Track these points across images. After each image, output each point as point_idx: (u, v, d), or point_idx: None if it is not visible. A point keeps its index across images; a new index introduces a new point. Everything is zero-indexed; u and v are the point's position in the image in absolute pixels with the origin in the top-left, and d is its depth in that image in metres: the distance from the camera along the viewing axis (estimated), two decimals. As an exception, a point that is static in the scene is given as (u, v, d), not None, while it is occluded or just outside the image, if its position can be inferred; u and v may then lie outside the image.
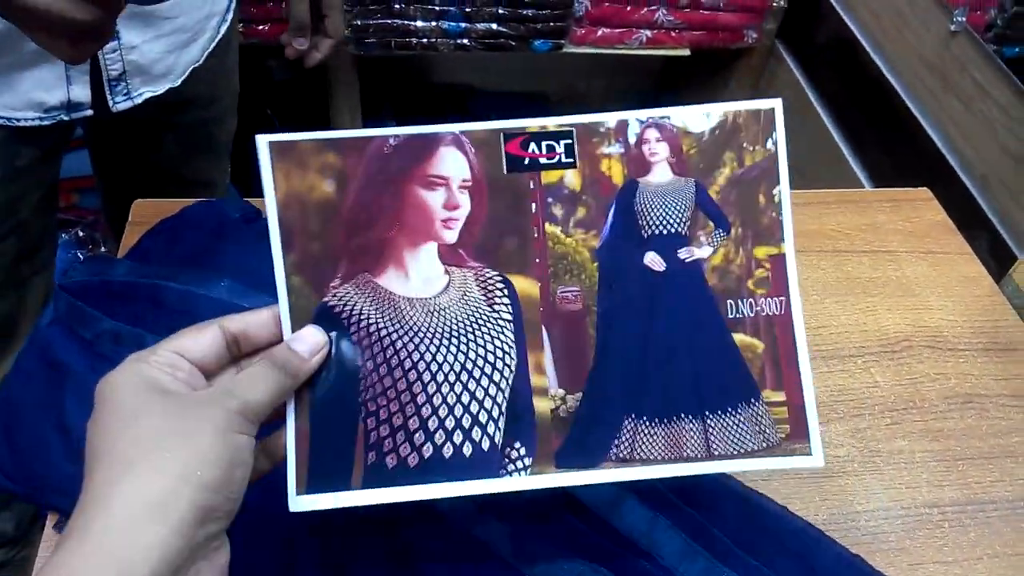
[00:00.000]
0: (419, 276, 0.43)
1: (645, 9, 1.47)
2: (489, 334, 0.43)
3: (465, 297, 0.43)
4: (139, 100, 0.75)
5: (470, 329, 0.43)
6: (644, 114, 0.44)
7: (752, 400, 0.44)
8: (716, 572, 0.50)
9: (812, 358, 0.69)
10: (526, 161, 0.43)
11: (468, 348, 0.42)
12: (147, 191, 0.76)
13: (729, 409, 0.44)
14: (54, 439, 0.51)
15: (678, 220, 0.44)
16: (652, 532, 0.52)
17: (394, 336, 0.42)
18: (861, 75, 1.34)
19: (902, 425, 0.66)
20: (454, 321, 0.42)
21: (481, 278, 0.43)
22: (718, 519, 0.54)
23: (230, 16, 0.85)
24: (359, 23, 1.37)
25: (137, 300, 0.58)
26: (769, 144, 0.44)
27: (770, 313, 0.44)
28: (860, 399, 0.67)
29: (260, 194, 0.43)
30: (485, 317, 0.43)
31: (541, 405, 0.43)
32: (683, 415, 0.44)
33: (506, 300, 0.43)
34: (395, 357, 0.42)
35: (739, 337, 0.44)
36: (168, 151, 0.91)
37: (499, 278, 0.43)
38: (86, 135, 0.93)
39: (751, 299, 0.44)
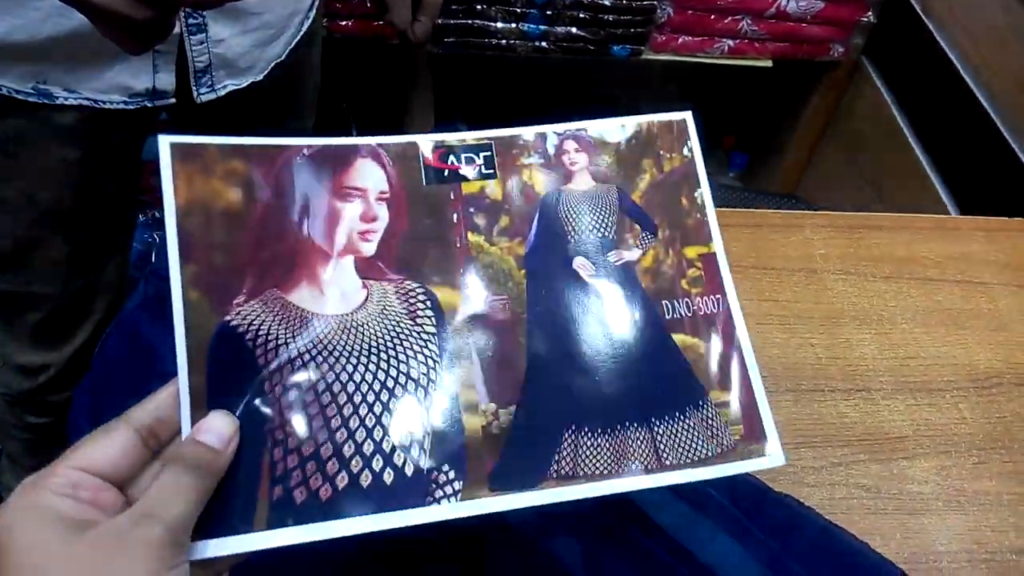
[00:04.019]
0: (335, 291, 0.40)
1: (729, 18, 1.44)
2: (412, 349, 0.40)
3: (385, 311, 0.40)
4: (222, 92, 0.77)
5: (391, 345, 0.40)
6: (561, 127, 0.45)
7: (700, 403, 0.42)
8: (791, 606, 0.49)
9: (898, 389, 0.67)
10: (445, 173, 0.43)
11: (389, 365, 0.40)
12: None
13: (677, 414, 0.42)
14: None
15: (604, 225, 0.44)
16: (728, 559, 0.50)
17: (306, 357, 0.39)
18: (953, 97, 1.30)
19: (989, 465, 0.63)
20: (373, 337, 0.40)
21: (402, 291, 0.41)
22: (795, 550, 0.53)
23: (313, 13, 0.86)
24: (440, 22, 1.38)
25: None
26: (685, 151, 0.46)
27: (708, 311, 0.44)
28: (946, 435, 0.65)
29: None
30: (407, 331, 0.40)
31: (471, 422, 0.40)
32: (628, 423, 0.41)
33: (429, 312, 0.41)
34: (307, 378, 0.38)
35: (679, 338, 0.43)
36: (249, 142, 0.92)
37: (421, 290, 0.41)
38: (171, 121, 0.95)
39: (687, 298, 0.44)
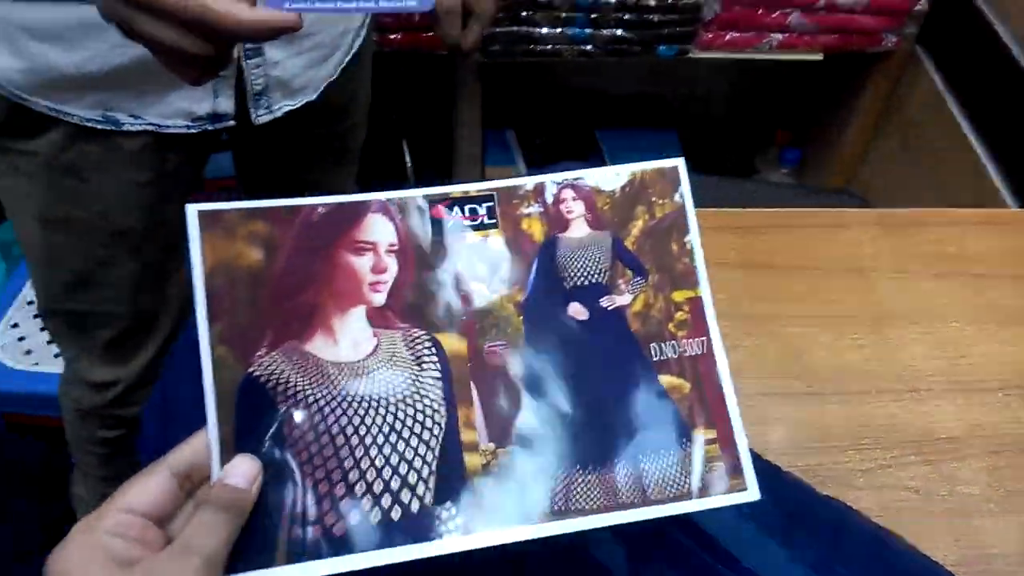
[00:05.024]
0: (347, 340, 0.43)
1: (778, 12, 1.43)
2: (418, 393, 0.43)
3: (394, 358, 0.43)
4: (279, 113, 0.79)
5: (399, 390, 0.43)
6: (559, 176, 0.47)
7: (684, 441, 0.44)
8: (837, 609, 0.49)
9: (948, 389, 0.67)
10: (450, 224, 0.45)
11: (397, 409, 0.42)
12: (284, 195, 0.80)
13: (662, 451, 0.44)
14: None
15: (598, 271, 0.46)
16: (773, 563, 0.51)
17: (322, 403, 0.42)
18: (1011, 86, 1.26)
19: (1045, 466, 0.63)
20: (383, 383, 0.43)
21: (409, 338, 0.44)
22: (842, 554, 0.53)
23: (364, 31, 0.88)
24: (485, 31, 1.39)
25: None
26: (676, 197, 0.47)
27: (693, 354, 0.46)
28: (999, 435, 0.64)
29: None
30: (414, 376, 0.43)
31: (472, 461, 0.42)
32: (617, 461, 0.43)
33: (434, 358, 0.44)
34: (323, 423, 0.41)
35: (665, 379, 0.45)
36: (304, 159, 0.95)
37: (427, 337, 0.44)
38: (230, 140, 0.99)
39: (673, 341, 0.46)
